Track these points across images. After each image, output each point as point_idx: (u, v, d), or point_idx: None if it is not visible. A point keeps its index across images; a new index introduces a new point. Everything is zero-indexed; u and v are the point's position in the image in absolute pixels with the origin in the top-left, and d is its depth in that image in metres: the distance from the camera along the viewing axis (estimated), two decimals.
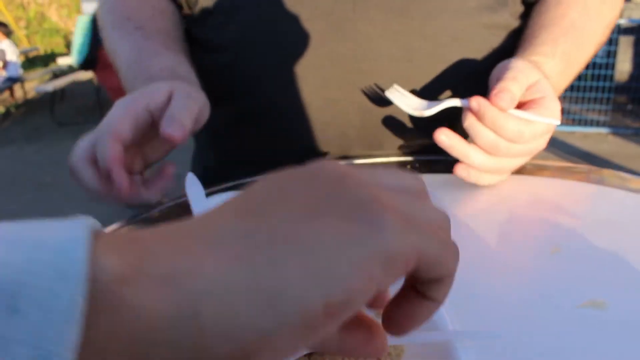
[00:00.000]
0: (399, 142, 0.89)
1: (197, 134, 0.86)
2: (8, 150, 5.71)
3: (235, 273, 0.23)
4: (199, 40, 0.87)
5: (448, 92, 0.84)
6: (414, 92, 0.80)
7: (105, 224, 0.70)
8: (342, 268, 0.24)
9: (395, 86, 0.78)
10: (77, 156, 0.63)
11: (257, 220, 0.25)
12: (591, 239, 0.61)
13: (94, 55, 5.68)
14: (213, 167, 1.02)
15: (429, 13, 0.81)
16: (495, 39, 0.85)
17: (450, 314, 0.45)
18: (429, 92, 0.82)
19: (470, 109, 0.67)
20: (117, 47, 0.84)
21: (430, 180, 0.80)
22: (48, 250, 0.20)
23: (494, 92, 0.65)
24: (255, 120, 0.88)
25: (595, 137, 4.99)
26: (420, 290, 0.30)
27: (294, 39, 0.82)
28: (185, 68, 0.78)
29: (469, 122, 0.68)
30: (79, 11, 11.64)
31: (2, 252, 0.20)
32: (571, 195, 0.73)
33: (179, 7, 0.90)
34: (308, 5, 0.81)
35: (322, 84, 0.83)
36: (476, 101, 0.66)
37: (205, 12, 0.86)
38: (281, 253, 0.24)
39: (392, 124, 0.86)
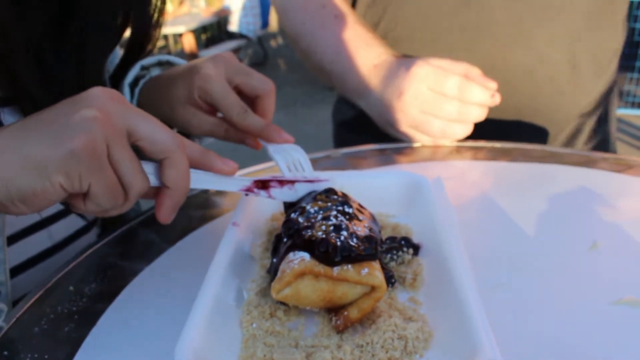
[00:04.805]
0: None
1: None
2: None
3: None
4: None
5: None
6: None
7: None
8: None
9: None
10: None
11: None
12: (634, 235, 0.60)
13: None
14: (352, 121, 1.14)
15: None
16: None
17: (480, 306, 0.46)
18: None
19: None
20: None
21: (467, 166, 0.81)
22: None
23: None
24: None
25: None
26: None
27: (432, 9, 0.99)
28: None
29: None
30: None
31: None
32: (620, 189, 0.71)
33: None
34: None
35: (450, 48, 0.98)
36: None
37: None
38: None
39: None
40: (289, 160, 0.59)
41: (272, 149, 0.62)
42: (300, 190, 0.56)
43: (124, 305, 0.54)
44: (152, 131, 0.46)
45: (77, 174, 0.42)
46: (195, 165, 0.51)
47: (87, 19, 0.64)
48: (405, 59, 0.91)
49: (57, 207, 0.71)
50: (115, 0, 0.67)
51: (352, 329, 0.46)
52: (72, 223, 0.74)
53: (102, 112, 0.43)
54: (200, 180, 0.52)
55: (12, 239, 0.67)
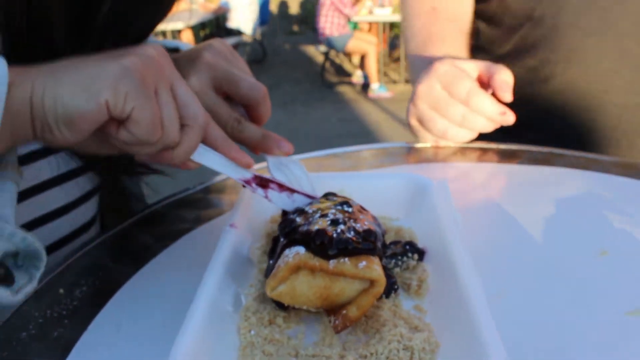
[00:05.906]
0: None
1: None
2: None
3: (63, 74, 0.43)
4: None
5: None
6: None
7: None
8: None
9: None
10: None
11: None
12: None
13: None
14: None
15: None
16: None
17: (489, 315, 0.44)
18: None
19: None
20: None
21: (472, 168, 0.79)
22: None
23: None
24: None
25: None
26: None
27: None
28: None
29: None
30: None
31: None
32: (629, 194, 0.69)
33: None
34: None
35: (620, 38, 0.90)
36: None
37: None
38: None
39: None
40: (290, 177, 0.57)
41: (271, 163, 0.58)
42: (298, 200, 0.54)
43: (116, 310, 0.52)
44: (189, 98, 0.49)
45: (124, 92, 0.43)
46: (215, 147, 0.52)
47: (108, 25, 0.61)
48: (444, 58, 0.90)
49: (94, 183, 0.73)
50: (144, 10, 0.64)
51: (355, 339, 0.44)
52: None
53: (159, 57, 0.47)
54: (204, 156, 0.52)
55: (66, 209, 0.68)
